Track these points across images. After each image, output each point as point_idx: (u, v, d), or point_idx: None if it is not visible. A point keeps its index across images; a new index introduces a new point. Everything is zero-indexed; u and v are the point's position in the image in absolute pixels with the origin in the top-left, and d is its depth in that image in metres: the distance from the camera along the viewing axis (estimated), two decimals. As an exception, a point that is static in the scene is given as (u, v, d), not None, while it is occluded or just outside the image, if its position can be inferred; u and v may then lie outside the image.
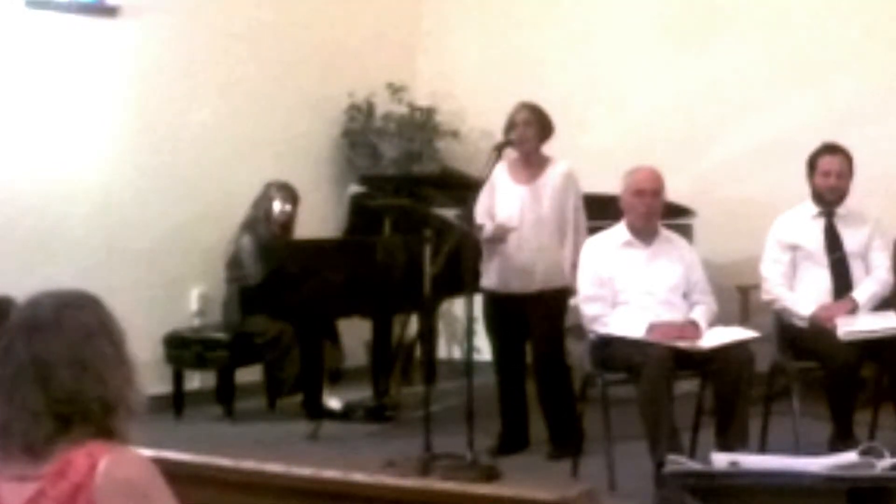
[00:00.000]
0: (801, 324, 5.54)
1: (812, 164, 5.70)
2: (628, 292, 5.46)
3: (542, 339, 5.99)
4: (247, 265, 7.16)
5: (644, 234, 5.58)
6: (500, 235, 5.93)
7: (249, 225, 7.29)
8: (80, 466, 2.05)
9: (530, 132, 5.96)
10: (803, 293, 5.61)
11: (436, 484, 2.94)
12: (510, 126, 5.99)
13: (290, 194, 7.41)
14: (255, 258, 7.13)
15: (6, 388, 2.13)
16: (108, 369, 2.16)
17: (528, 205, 5.95)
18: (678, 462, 4.18)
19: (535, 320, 5.95)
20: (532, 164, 6.03)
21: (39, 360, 2.12)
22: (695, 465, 4.21)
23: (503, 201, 5.99)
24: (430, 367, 6.39)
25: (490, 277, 6.05)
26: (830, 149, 5.69)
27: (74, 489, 2.04)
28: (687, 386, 5.72)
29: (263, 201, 7.36)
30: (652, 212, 5.54)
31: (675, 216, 6.81)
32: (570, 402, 5.86)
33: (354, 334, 7.60)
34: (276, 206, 7.33)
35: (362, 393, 7.20)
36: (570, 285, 5.72)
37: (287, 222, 7.42)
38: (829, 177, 5.63)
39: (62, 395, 2.11)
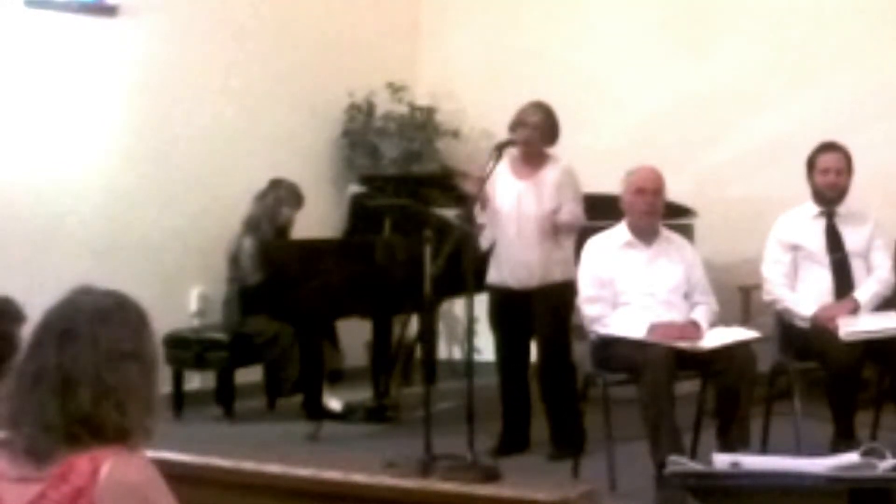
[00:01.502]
0: (803, 324, 5.52)
1: (811, 162, 5.69)
2: (629, 293, 5.45)
3: (547, 337, 5.98)
4: (245, 266, 7.14)
5: (645, 234, 5.56)
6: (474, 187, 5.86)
7: (252, 224, 7.26)
8: (83, 470, 2.04)
9: (538, 135, 5.95)
10: (804, 293, 5.60)
11: (436, 485, 2.94)
12: (518, 124, 5.97)
13: (298, 199, 7.39)
14: (253, 261, 7.11)
15: (26, 383, 2.11)
16: (132, 397, 2.12)
17: (528, 200, 5.94)
18: (679, 463, 4.16)
19: (540, 316, 5.94)
20: (532, 161, 6.02)
21: (65, 371, 2.08)
22: (696, 466, 4.19)
23: (501, 195, 5.98)
24: (431, 367, 6.38)
25: (493, 273, 6.05)
26: (829, 146, 5.69)
27: (76, 493, 2.03)
28: (688, 386, 5.70)
29: (270, 201, 7.32)
30: (653, 210, 5.53)
31: (676, 216, 6.80)
32: (573, 402, 5.85)
33: (354, 335, 7.59)
34: (285, 211, 7.31)
35: (362, 393, 7.19)
36: (573, 280, 5.68)
37: (287, 225, 7.40)
38: (829, 174, 5.63)
39: (78, 415, 2.07)
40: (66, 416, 2.07)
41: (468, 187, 5.89)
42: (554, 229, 5.91)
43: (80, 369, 2.09)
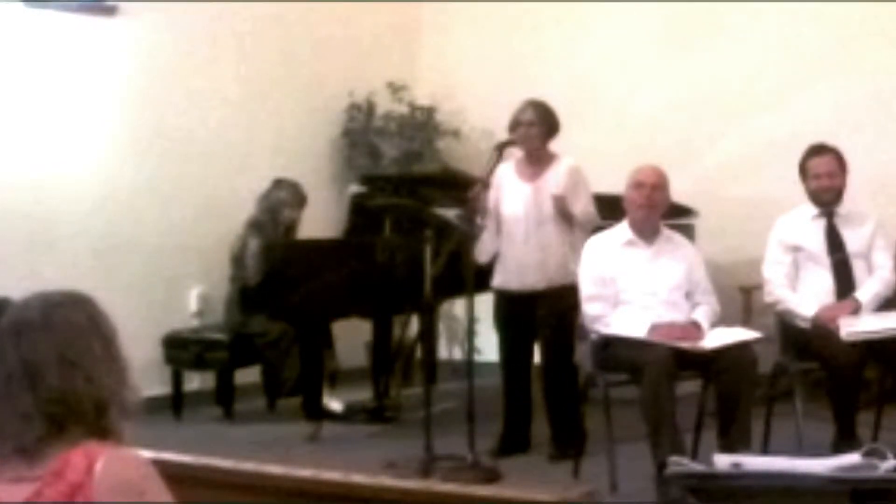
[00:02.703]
0: (804, 324, 5.51)
1: (802, 167, 5.68)
2: (630, 292, 5.43)
3: (550, 339, 5.97)
4: (248, 266, 7.13)
5: (646, 232, 5.55)
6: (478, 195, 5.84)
7: (257, 226, 7.25)
8: (78, 466, 2.03)
9: (534, 132, 5.94)
10: (806, 294, 5.58)
11: (436, 485, 2.92)
12: (514, 125, 5.97)
13: (301, 199, 7.38)
14: (257, 261, 7.09)
15: None
16: (99, 368, 2.14)
17: (534, 202, 5.93)
18: (680, 463, 4.15)
19: (544, 319, 5.93)
20: (537, 161, 6.00)
21: (28, 361, 2.11)
22: (697, 467, 4.18)
23: (508, 199, 5.98)
24: (431, 367, 6.37)
25: (499, 275, 6.04)
26: (817, 150, 5.67)
27: (72, 490, 2.02)
28: (689, 387, 5.69)
29: (272, 202, 7.30)
30: (652, 204, 5.50)
31: (677, 216, 6.79)
32: (574, 403, 5.83)
33: (354, 335, 7.58)
34: (288, 212, 7.30)
35: (362, 394, 7.18)
36: (577, 283, 5.66)
37: (293, 226, 7.40)
38: (821, 178, 5.61)
39: (52, 395, 2.09)
40: (41, 400, 2.08)
41: (474, 192, 5.84)
42: (566, 216, 5.85)
43: (42, 353, 2.11)
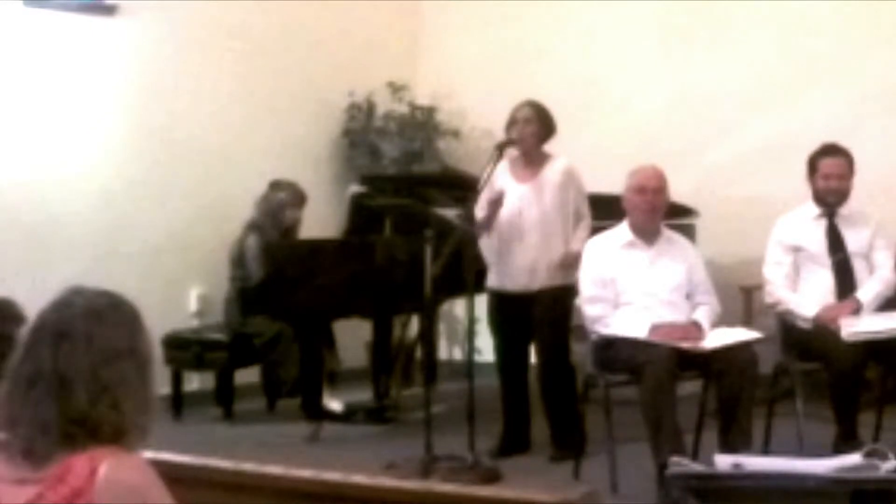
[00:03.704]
0: (805, 325, 5.50)
1: (812, 165, 5.67)
2: (631, 293, 5.43)
3: (547, 339, 5.96)
4: (249, 266, 7.12)
5: (646, 234, 5.54)
6: (494, 210, 5.86)
7: (256, 226, 7.24)
8: (81, 471, 2.02)
9: (530, 129, 5.94)
10: (806, 295, 5.58)
11: (436, 486, 2.91)
12: (511, 123, 5.97)
13: (301, 198, 7.36)
14: (258, 260, 7.09)
15: (22, 385, 2.09)
16: (128, 396, 2.11)
17: (529, 203, 5.92)
18: (681, 464, 4.15)
19: (539, 319, 5.92)
20: (532, 162, 6.00)
21: (61, 372, 2.08)
22: (698, 467, 4.17)
23: (504, 200, 5.96)
24: (431, 368, 6.36)
25: (494, 276, 6.03)
26: (831, 150, 5.65)
27: (74, 494, 2.02)
28: (690, 387, 5.69)
29: (271, 203, 7.29)
30: (654, 209, 5.50)
31: (678, 216, 6.78)
32: (573, 404, 5.83)
33: (355, 335, 7.57)
34: (289, 213, 7.29)
35: (363, 394, 7.17)
36: (573, 283, 5.67)
37: (294, 226, 7.38)
38: (831, 179, 5.60)
39: (76, 414, 2.06)
40: (63, 417, 2.06)
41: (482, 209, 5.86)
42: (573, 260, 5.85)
43: (76, 369, 2.08)
